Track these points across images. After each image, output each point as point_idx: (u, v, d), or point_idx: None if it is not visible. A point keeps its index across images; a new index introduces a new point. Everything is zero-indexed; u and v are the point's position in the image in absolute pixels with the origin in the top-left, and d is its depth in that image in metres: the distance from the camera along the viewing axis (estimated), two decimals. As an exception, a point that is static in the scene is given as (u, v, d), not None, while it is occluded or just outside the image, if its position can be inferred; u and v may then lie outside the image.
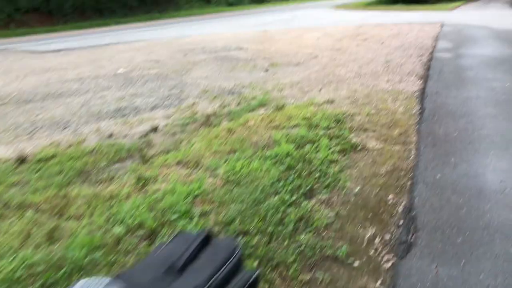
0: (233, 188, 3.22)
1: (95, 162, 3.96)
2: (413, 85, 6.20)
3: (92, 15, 24.94)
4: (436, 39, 10.58)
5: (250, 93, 6.22)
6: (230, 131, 4.54)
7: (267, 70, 7.87)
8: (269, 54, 9.56)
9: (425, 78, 6.57)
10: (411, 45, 9.80)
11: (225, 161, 3.71)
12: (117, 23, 23.19)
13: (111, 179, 3.63)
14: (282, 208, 2.86)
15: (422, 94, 5.65)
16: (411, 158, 3.68)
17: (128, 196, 3.28)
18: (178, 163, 3.81)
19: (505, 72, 6.77)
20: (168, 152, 4.10)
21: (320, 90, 6.25)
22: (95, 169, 3.83)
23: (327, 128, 4.44)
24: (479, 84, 6.03)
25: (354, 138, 4.13)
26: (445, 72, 6.89)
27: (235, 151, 3.94)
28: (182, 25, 19.31)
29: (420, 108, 5.02)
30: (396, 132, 4.29)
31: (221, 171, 3.52)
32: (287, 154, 3.73)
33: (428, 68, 7.30)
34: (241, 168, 3.51)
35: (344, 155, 3.76)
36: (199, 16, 27.01)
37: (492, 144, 3.86)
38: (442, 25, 13.56)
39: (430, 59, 8.03)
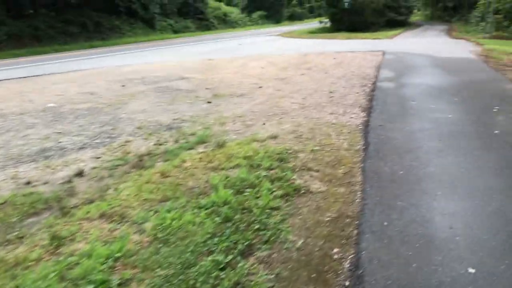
0: (161, 247, 2.83)
1: (5, 217, 3.44)
2: (357, 117, 6.09)
3: (29, 42, 23.81)
4: (379, 68, 10.75)
5: (190, 128, 5.87)
6: (164, 174, 4.14)
7: (209, 102, 7.56)
8: (213, 84, 9.29)
9: (369, 109, 6.50)
10: (354, 75, 9.86)
11: (154, 213, 3.31)
12: (56, 50, 22.25)
13: (20, 239, 3.13)
14: (214, 273, 2.50)
15: (366, 127, 5.53)
16: (356, 201, 3.45)
17: (37, 261, 2.81)
18: (102, 215, 3.37)
19: (447, 102, 6.84)
20: (91, 201, 3.64)
21: (263, 124, 6.00)
22: (3, 226, 3.31)
23: (269, 168, 4.15)
24: (423, 115, 6.02)
25: (298, 180, 3.86)
26: (389, 103, 6.88)
27: (167, 200, 3.55)
28: (125, 53, 18.77)
29: (364, 143, 4.86)
30: (340, 171, 4.07)
31: (149, 225, 3.12)
32: (225, 203, 3.39)
33: (371, 99, 7.28)
34: (172, 221, 3.12)
35: (287, 200, 3.47)
36: (143, 44, 26.53)
37: (439, 184, 3.71)
38: (383, 53, 13.92)
39: (373, 89, 8.05)
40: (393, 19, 35.67)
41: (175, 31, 37.77)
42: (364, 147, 4.76)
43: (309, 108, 6.80)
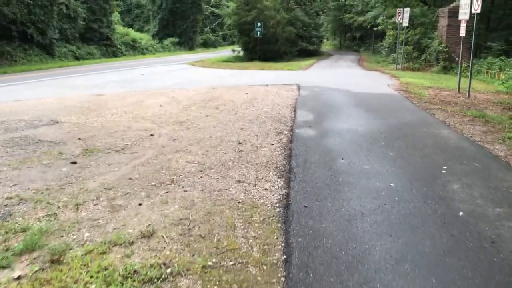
0: None
1: None
2: (273, 189, 4.43)
3: None
4: (295, 107, 9.36)
5: (25, 218, 3.82)
6: None
7: (74, 163, 5.51)
8: (91, 131, 7.21)
9: (288, 174, 4.89)
10: (268, 117, 8.34)
11: None
12: None
13: None
14: None
15: (286, 210, 3.86)
16: None
17: None
18: None
19: (382, 159, 5.46)
20: None
21: (140, 204, 4.12)
22: None
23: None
24: (358, 185, 4.51)
25: None
26: (312, 162, 5.33)
27: None
28: (4, 86, 15.78)
29: (285, 250, 3.17)
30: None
31: None
32: None
33: (290, 155, 5.71)
34: None
35: None
36: (37, 73, 23.22)
37: None
38: (298, 88, 12.69)
39: (291, 140, 6.51)
40: (305, 49, 35.84)
41: (77, 58, 34.54)
42: (284, 256, 3.06)
43: (210, 172, 5.04)
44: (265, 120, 7.98)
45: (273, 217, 3.69)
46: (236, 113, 8.75)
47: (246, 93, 11.59)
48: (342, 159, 5.42)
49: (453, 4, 18.46)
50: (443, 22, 19.03)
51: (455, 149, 6.03)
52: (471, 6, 10.95)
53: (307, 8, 38.71)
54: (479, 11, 10.65)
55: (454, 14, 18.26)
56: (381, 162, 5.28)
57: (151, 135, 6.94)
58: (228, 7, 34.21)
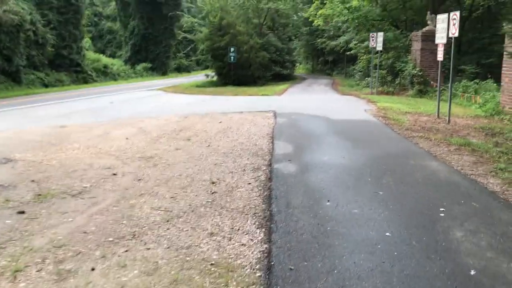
0: None
1: None
2: (251, 244, 3.80)
3: None
4: (273, 137, 8.81)
5: None
6: None
7: (22, 212, 4.77)
8: (46, 171, 6.46)
9: (268, 223, 4.27)
10: (244, 149, 7.75)
11: None
12: None
13: None
14: None
15: (268, 277, 3.23)
16: None
17: None
18: None
19: (372, 200, 4.91)
20: None
21: (93, 269, 3.42)
22: None
23: None
24: (349, 236, 3.92)
25: None
26: (294, 206, 4.73)
27: None
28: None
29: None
30: None
31: None
32: None
33: (269, 196, 5.10)
34: None
35: None
36: (0, 101, 22.10)
37: None
38: (275, 115, 12.19)
39: (269, 177, 5.92)
40: (278, 73, 35.75)
41: (46, 85, 33.40)
42: None
43: (178, 221, 4.38)
44: (241, 154, 7.39)
45: (253, 286, 3.05)
46: (209, 145, 8.14)
47: (220, 122, 11.02)
48: (328, 201, 4.84)
49: (426, 28, 18.51)
50: (416, 46, 19.04)
51: (448, 185, 5.54)
52: (448, 30, 10.77)
53: (280, 33, 38.83)
54: (456, 35, 10.47)
55: (427, 38, 18.32)
56: (371, 204, 4.73)
57: (114, 174, 6.24)
58: (201, 32, 33.85)
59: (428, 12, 19.02)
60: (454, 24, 10.48)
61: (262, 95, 20.40)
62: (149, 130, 10.00)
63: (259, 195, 5.13)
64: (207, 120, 11.48)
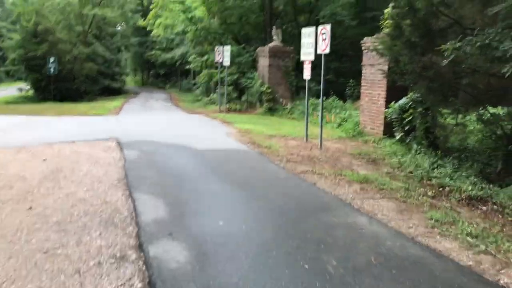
0: None
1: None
2: None
3: None
4: (128, 185, 6.29)
5: None
6: None
7: None
8: None
9: None
10: (89, 212, 5.13)
11: None
12: None
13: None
14: None
15: None
16: None
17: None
18: None
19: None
20: None
21: None
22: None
23: None
24: None
25: None
26: None
27: None
28: None
29: None
30: None
31: None
32: None
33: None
34: None
35: None
36: None
37: None
38: (119, 145, 9.50)
39: (149, 279, 3.54)
40: (108, 86, 32.32)
41: None
42: None
43: None
44: (86, 223, 4.77)
45: None
46: (31, 208, 5.27)
47: (45, 159, 7.92)
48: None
49: (273, 44, 17.85)
50: (263, 62, 18.24)
51: (399, 259, 4.00)
52: (316, 46, 9.73)
53: (107, 42, 35.21)
54: (327, 51, 9.44)
55: (274, 54, 17.67)
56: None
57: None
58: (11, 39, 28.22)
59: (274, 27, 18.46)
60: (324, 40, 9.47)
61: (94, 114, 17.18)
62: None
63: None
64: (25, 157, 8.22)
